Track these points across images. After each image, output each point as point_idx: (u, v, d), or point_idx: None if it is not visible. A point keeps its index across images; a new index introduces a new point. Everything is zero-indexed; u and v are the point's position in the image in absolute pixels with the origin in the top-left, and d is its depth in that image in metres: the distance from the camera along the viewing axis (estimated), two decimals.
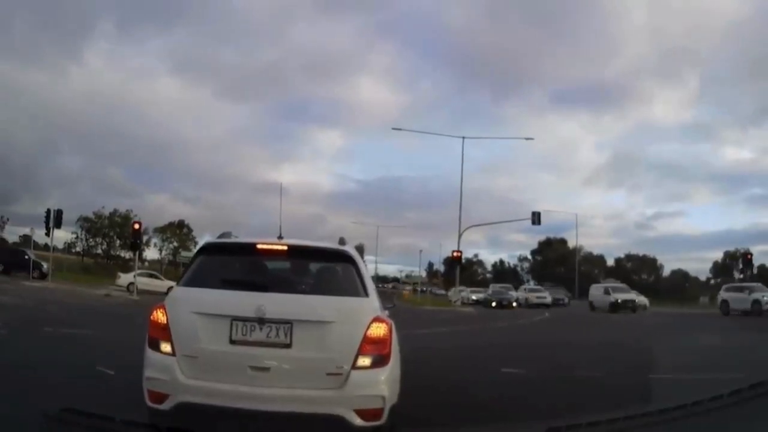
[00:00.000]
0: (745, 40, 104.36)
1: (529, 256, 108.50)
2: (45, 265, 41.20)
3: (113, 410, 4.83)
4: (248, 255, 5.19)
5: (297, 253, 5.17)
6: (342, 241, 5.50)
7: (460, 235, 48.32)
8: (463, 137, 48.46)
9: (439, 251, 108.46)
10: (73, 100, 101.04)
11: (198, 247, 5.57)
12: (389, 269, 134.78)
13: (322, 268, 5.39)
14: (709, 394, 5.70)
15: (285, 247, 5.07)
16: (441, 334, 19.52)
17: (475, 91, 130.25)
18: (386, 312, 5.42)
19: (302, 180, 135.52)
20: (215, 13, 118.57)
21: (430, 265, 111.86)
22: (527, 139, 54.58)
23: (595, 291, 44.35)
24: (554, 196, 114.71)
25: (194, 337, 4.55)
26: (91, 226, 68.56)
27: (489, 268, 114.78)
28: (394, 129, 55.12)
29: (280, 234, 5.35)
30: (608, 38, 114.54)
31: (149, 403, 4.54)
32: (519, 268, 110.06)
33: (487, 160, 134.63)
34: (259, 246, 5.08)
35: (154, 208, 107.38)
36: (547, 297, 51.06)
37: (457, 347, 15.47)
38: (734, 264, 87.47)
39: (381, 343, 4.64)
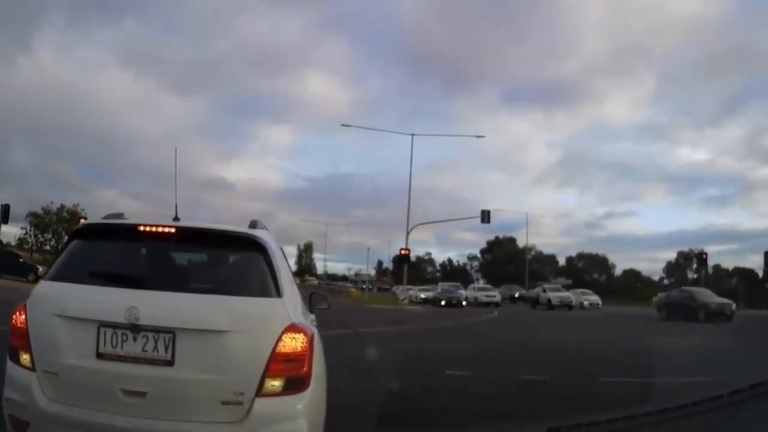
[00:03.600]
0: (703, 40, 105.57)
1: (479, 255, 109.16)
2: (40, 269, 39.19)
3: None
4: (128, 240, 4.01)
5: (189, 238, 3.97)
6: (253, 224, 4.31)
7: (408, 233, 48.10)
8: (413, 134, 48.36)
9: (389, 249, 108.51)
10: (21, 93, 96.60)
11: (73, 230, 4.23)
12: (338, 267, 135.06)
13: (221, 258, 4.28)
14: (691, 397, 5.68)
15: (173, 230, 3.88)
16: (386, 334, 18.88)
17: (427, 89, 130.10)
18: (310, 317, 4.47)
19: (250, 176, 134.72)
20: (165, 5, 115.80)
21: (380, 263, 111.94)
22: (478, 136, 54.39)
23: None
24: (504, 195, 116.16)
25: (55, 348, 3.54)
26: (40, 221, 66.25)
27: (438, 266, 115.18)
28: (343, 125, 54.89)
29: (176, 215, 4.29)
30: (563, 36, 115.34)
31: None
32: (469, 267, 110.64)
33: (438, 158, 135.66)
34: (141, 228, 3.89)
35: (104, 203, 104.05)
36: (497, 296, 51.27)
37: (400, 347, 14.82)
38: (688, 264, 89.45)
39: (297, 359, 3.57)
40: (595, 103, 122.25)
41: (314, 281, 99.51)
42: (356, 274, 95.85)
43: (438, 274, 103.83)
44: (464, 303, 45.55)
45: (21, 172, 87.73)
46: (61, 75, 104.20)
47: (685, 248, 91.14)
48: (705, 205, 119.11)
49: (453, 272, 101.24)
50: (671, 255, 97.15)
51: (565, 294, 47.85)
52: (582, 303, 48.71)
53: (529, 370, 9.87)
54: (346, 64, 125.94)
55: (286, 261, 4.65)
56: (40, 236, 67.43)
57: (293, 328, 3.62)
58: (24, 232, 66.93)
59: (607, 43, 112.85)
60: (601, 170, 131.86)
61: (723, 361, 12.31)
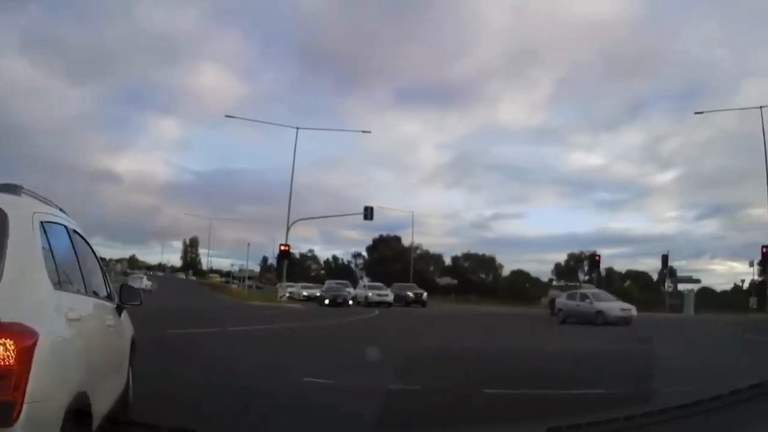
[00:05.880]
0: (604, 44, 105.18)
1: (364, 253, 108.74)
2: None
3: None
4: None
5: None
6: (2, 188, 3.35)
7: (288, 228, 46.44)
8: (297, 127, 47.13)
9: (273, 245, 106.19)
10: None
11: None
12: (223, 263, 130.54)
13: None
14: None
15: None
16: (253, 333, 17.91)
17: (318, 85, 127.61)
18: (104, 312, 3.34)
19: (139, 169, 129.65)
20: None
21: (265, 259, 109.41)
22: (364, 132, 54.49)
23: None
24: (392, 194, 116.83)
25: None
26: None
27: (323, 264, 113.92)
28: (227, 116, 54.17)
29: None
30: (460, 37, 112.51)
31: None
32: (353, 265, 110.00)
33: (325, 155, 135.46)
34: None
35: None
36: (389, 295, 47.31)
37: (263, 347, 13.90)
38: (579, 266, 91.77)
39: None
40: (490, 105, 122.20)
41: (217, 279, 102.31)
42: (240, 270, 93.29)
43: (323, 272, 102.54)
44: (351, 302, 43.31)
45: None
46: None
47: (576, 250, 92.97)
48: (597, 209, 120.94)
49: (337, 270, 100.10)
50: (562, 257, 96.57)
51: None
52: None
53: (398, 380, 8.78)
54: (238, 57, 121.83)
55: (68, 242, 3.80)
56: None
57: None
58: None
59: (504, 44, 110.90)
60: (492, 172, 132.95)
61: None
